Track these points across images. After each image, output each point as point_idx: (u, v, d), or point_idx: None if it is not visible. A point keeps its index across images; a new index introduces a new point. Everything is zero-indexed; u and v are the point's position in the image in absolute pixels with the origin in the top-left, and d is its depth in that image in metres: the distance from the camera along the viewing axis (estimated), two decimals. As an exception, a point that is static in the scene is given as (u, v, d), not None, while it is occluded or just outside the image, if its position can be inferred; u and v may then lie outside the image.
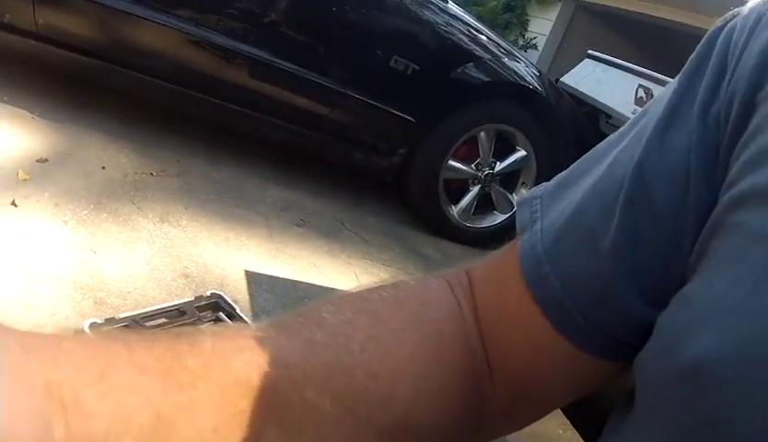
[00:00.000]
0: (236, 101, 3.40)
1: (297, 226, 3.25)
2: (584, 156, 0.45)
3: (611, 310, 0.38)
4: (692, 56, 0.41)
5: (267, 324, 0.35)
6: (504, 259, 0.44)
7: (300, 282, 2.82)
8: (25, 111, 3.66)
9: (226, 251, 2.88)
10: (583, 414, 0.63)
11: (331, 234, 3.26)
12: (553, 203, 0.43)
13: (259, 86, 3.39)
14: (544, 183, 0.46)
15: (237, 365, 0.31)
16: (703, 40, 0.41)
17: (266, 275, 2.78)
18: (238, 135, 3.63)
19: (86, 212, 2.92)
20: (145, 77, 3.39)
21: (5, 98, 3.73)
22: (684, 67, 0.41)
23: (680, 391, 0.30)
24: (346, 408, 0.33)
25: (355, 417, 0.33)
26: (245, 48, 3.29)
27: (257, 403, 0.30)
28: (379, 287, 0.42)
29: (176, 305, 2.43)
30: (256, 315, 2.54)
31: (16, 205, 2.86)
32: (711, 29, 0.41)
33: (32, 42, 3.48)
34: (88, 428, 0.25)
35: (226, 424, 0.29)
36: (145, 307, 2.41)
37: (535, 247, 0.41)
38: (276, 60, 3.32)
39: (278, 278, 2.80)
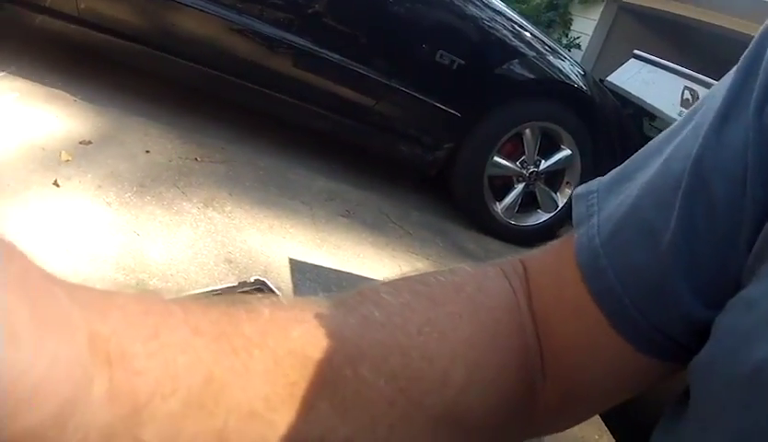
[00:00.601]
0: (280, 90, 3.42)
1: (342, 216, 3.25)
2: (638, 151, 0.45)
3: (667, 307, 0.38)
4: (745, 52, 0.40)
5: (325, 300, 0.35)
6: (560, 250, 0.44)
7: (344, 272, 2.82)
8: (66, 94, 3.70)
9: (270, 239, 2.88)
10: (620, 420, 0.62)
11: (375, 226, 3.27)
12: (609, 197, 0.43)
13: (303, 75, 3.41)
14: (599, 178, 0.46)
15: (293, 336, 0.31)
16: (756, 37, 0.40)
17: (310, 264, 2.79)
18: (283, 124, 3.65)
19: (129, 194, 2.94)
20: (188, 63, 3.43)
21: (46, 81, 3.78)
22: (738, 63, 0.40)
23: (742, 396, 0.30)
24: (400, 389, 0.33)
25: (408, 399, 0.33)
26: (288, 37, 3.31)
27: (310, 376, 0.30)
28: (437, 272, 0.42)
29: (219, 289, 2.40)
30: (299, 303, 2.55)
31: (58, 185, 2.89)
32: (764, 25, 0.40)
33: (73, 26, 3.53)
34: (133, 386, 0.24)
35: (277, 394, 0.29)
36: (187, 290, 2.43)
37: (592, 240, 0.41)
38: (321, 50, 3.34)
39: (322, 267, 2.81)
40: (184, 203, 2.96)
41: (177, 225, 2.80)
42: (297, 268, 2.76)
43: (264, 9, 3.29)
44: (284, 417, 0.29)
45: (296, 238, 2.94)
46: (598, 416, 0.55)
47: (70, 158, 3.13)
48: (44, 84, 3.76)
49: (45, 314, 0.21)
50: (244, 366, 0.28)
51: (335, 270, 2.83)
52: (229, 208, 3.00)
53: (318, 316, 0.33)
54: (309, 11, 3.33)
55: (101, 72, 3.90)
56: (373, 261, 3.02)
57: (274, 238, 2.89)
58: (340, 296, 0.36)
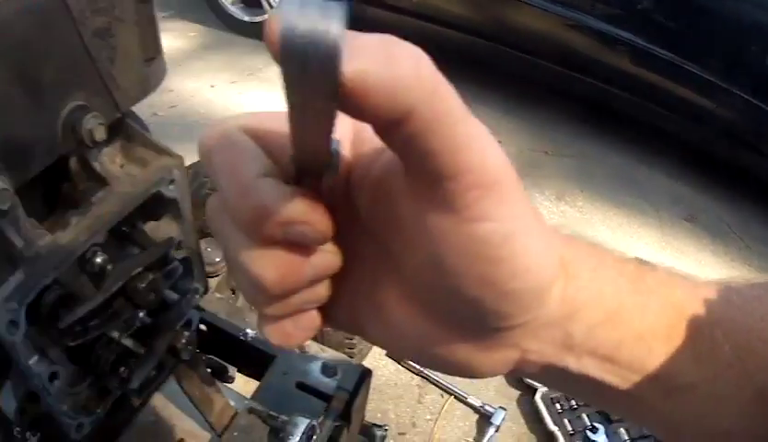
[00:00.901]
0: (619, 86, 3.56)
1: (686, 220, 3.37)
2: None
3: None
4: None
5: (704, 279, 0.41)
6: None
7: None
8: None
9: (618, 237, 3.16)
10: None
11: (716, 234, 3.32)
12: None
13: (640, 72, 3.49)
14: None
15: (677, 293, 0.38)
16: None
17: None
18: (629, 121, 3.81)
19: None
20: (527, 56, 3.70)
21: None
22: None
23: None
24: (738, 357, 0.37)
25: (743, 368, 0.38)
26: (621, 33, 3.41)
27: (682, 326, 0.37)
28: None
29: None
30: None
31: None
32: None
33: (407, 18, 3.93)
34: (576, 295, 0.35)
35: (659, 330, 0.37)
36: None
37: None
38: (655, 47, 3.39)
39: None
40: (536, 195, 3.35)
41: None
42: None
43: (595, 5, 3.43)
44: (658, 347, 0.37)
45: (643, 239, 3.18)
46: None
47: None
48: None
49: (530, 204, 0.31)
50: (643, 304, 0.37)
51: None
52: (581, 203, 3.34)
53: (696, 285, 0.39)
54: (639, 6, 3.40)
55: (446, 64, 4.29)
56: (713, 269, 3.05)
57: (623, 237, 3.16)
58: (715, 280, 0.41)
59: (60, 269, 0.71)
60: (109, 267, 0.77)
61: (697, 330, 0.37)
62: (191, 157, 0.91)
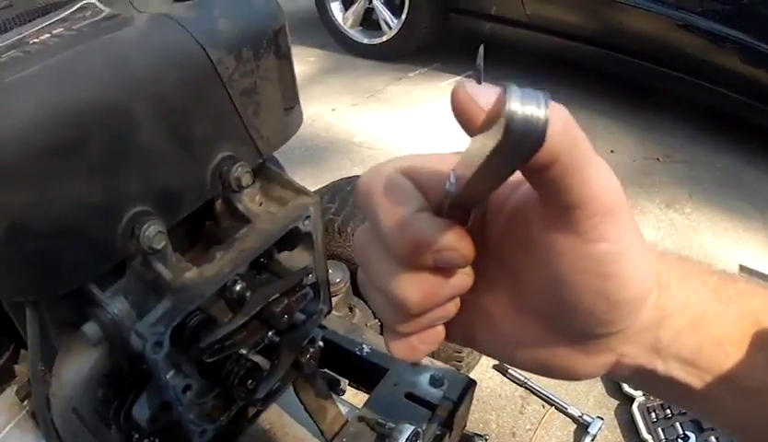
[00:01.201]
0: (729, 86, 3.48)
1: None
2: None
3: None
4: None
5: None
6: None
7: None
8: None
9: (723, 242, 3.10)
10: None
11: None
12: None
13: (751, 71, 3.40)
14: None
15: (755, 302, 0.41)
16: None
17: (759, 272, 2.91)
18: (739, 122, 3.74)
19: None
20: (637, 61, 3.68)
21: (505, 83, 4.42)
22: None
23: None
24: None
25: None
26: (729, 31, 3.34)
27: (758, 333, 0.40)
28: None
29: None
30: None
31: None
32: None
33: (528, 33, 4.02)
34: (666, 303, 0.39)
35: (736, 336, 0.40)
36: None
37: None
38: (763, 44, 3.29)
39: None
40: (647, 203, 3.32)
41: (640, 225, 3.11)
42: (746, 274, 2.90)
43: (702, 2, 3.37)
44: (734, 353, 0.40)
45: (748, 244, 3.10)
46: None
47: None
48: (502, 85, 4.38)
49: (636, 224, 0.36)
50: (723, 312, 0.40)
51: None
52: (689, 210, 3.29)
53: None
54: (744, 1, 3.32)
55: (555, 73, 4.38)
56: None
57: (728, 242, 3.10)
58: None
59: (204, 298, 0.83)
60: (247, 294, 0.89)
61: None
62: (311, 181, 1.01)
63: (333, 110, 4.08)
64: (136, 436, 1.12)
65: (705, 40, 3.43)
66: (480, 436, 1.97)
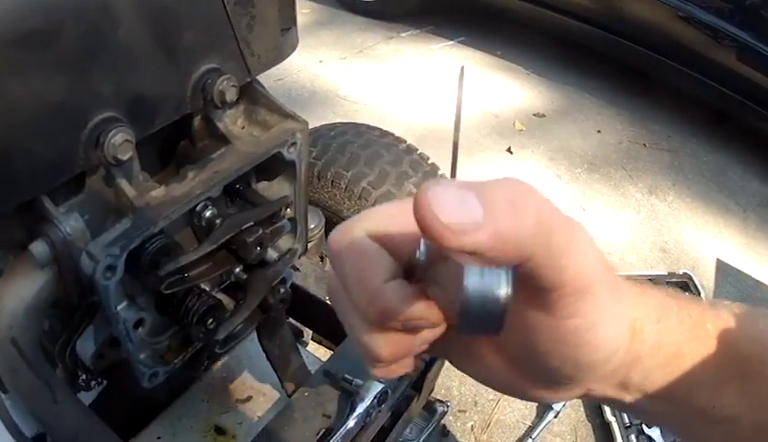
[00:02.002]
0: (723, 82, 3.49)
1: None
2: None
3: None
4: None
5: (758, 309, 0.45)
6: None
7: (763, 284, 2.91)
8: (519, 67, 4.29)
9: (703, 235, 3.10)
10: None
11: None
12: None
13: (746, 70, 3.41)
14: None
15: (736, 337, 0.42)
16: None
17: (735, 269, 2.95)
18: (728, 119, 3.75)
19: (579, 170, 3.40)
20: (636, 47, 3.66)
21: (499, 53, 4.39)
22: None
23: None
24: None
25: None
26: (730, 28, 3.34)
27: (736, 366, 0.42)
28: None
29: (649, 275, 2.72)
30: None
31: (511, 152, 3.44)
32: None
33: (523, 3, 3.98)
34: (639, 347, 0.40)
35: (710, 369, 0.42)
36: (621, 269, 2.75)
37: None
38: (761, 45, 3.30)
39: (745, 274, 2.94)
40: (630, 187, 3.31)
41: (621, 207, 3.18)
42: (723, 270, 2.94)
43: None
44: (708, 386, 0.42)
45: (727, 240, 3.12)
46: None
47: (524, 128, 3.67)
48: (495, 55, 4.37)
49: (613, 284, 0.37)
50: (698, 350, 0.42)
51: (756, 280, 2.93)
52: (671, 198, 3.28)
53: (758, 325, 0.44)
54: (747, 2, 3.33)
55: (551, 49, 4.34)
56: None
57: (707, 235, 3.11)
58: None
59: (169, 220, 0.74)
60: (217, 222, 0.81)
61: (748, 369, 0.42)
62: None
63: (321, 61, 4.00)
64: (83, 377, 1.05)
65: (704, 35, 3.42)
66: (442, 402, 1.92)
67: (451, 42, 4.45)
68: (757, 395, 0.42)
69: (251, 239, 0.82)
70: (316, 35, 4.32)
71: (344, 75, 3.89)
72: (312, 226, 1.46)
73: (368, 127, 1.82)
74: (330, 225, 1.58)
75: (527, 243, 0.30)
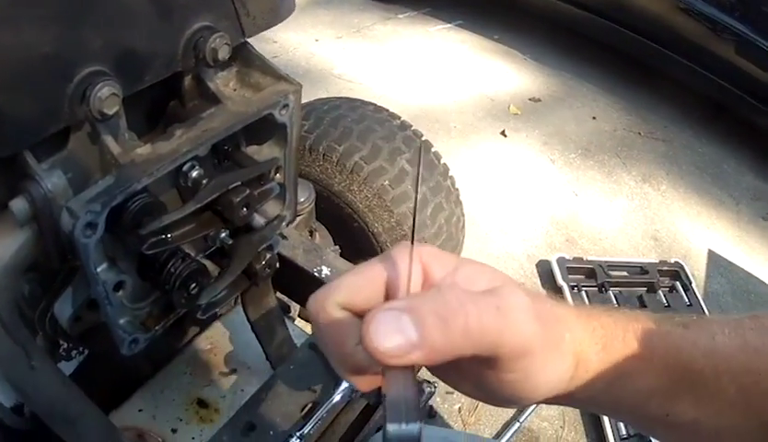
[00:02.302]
0: (722, 75, 3.50)
1: (763, 218, 3.33)
2: None
3: None
4: None
5: (722, 317, 0.48)
6: None
7: (754, 276, 2.94)
8: (515, 51, 4.27)
9: (695, 226, 3.11)
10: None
11: None
12: None
13: (745, 64, 3.43)
14: None
15: (685, 351, 0.45)
16: None
17: (726, 260, 2.96)
18: (724, 112, 3.76)
19: (573, 156, 3.38)
20: (636, 36, 3.66)
21: (496, 37, 4.37)
22: None
23: None
24: (744, 398, 0.44)
25: (747, 404, 0.44)
26: (730, 21, 3.35)
27: (687, 378, 0.44)
28: None
29: (640, 263, 2.71)
30: (707, 296, 2.70)
31: (505, 135, 3.43)
32: None
33: None
34: (583, 375, 0.44)
35: (659, 387, 0.45)
36: (611, 256, 2.75)
37: None
38: (761, 40, 3.31)
39: (736, 266, 2.95)
40: (623, 174, 3.31)
41: (614, 193, 3.17)
42: (714, 260, 2.95)
43: None
44: (658, 400, 0.45)
45: (719, 231, 3.13)
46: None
47: (519, 112, 3.66)
48: (492, 39, 4.35)
49: (552, 337, 0.41)
50: (645, 368, 0.44)
51: (746, 272, 2.95)
52: (664, 187, 3.28)
53: (711, 336, 0.46)
54: None
55: (549, 34, 4.33)
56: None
57: (699, 226, 3.11)
58: (741, 317, 0.48)
59: (154, 177, 0.71)
60: (204, 182, 0.78)
61: (701, 381, 0.45)
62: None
63: (317, 40, 3.97)
64: (63, 346, 1.02)
65: (705, 27, 3.42)
66: (429, 383, 1.91)
67: (449, 25, 4.42)
68: (712, 405, 0.45)
69: (238, 199, 0.80)
70: (312, 14, 4.28)
71: (340, 55, 3.86)
72: (302, 200, 1.44)
73: (362, 102, 1.79)
74: (320, 198, 1.55)
75: (457, 351, 0.36)
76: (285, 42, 3.74)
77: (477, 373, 0.42)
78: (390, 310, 0.36)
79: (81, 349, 1.09)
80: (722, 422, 0.45)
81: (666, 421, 0.47)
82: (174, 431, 1.19)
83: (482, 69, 3.93)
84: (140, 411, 1.21)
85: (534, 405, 2.03)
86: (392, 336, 0.35)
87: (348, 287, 0.42)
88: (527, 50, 4.20)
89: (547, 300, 0.44)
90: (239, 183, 0.81)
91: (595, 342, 0.45)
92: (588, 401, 0.47)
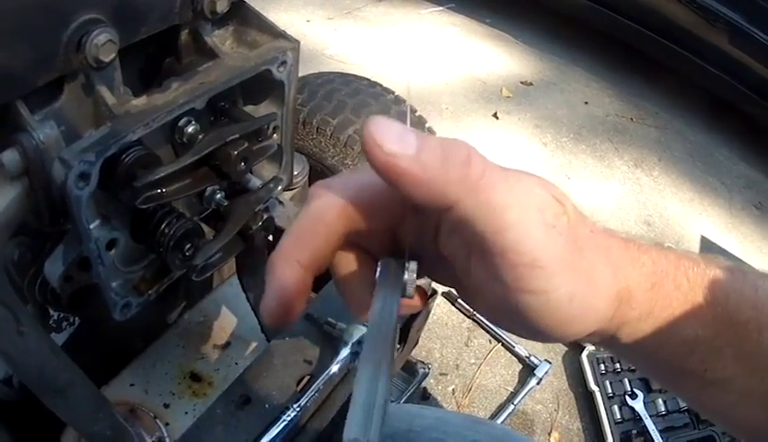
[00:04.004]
0: (715, 64, 3.48)
1: (755, 207, 3.33)
2: None
3: None
4: None
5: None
6: None
7: (746, 264, 2.83)
8: (507, 35, 4.25)
9: (687, 211, 3.12)
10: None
11: None
12: None
13: (738, 53, 3.41)
14: None
15: (731, 302, 0.42)
16: None
17: (718, 246, 2.96)
18: (716, 101, 3.76)
19: (565, 139, 3.38)
20: (628, 22, 3.64)
21: (488, 21, 4.35)
22: None
23: None
24: None
25: None
26: (723, 10, 3.33)
27: (731, 331, 0.42)
28: None
29: None
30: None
31: (497, 118, 3.42)
32: None
33: None
34: (627, 313, 0.41)
35: (703, 338, 0.42)
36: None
37: None
38: (755, 30, 3.29)
39: (728, 253, 2.94)
40: (615, 159, 3.31)
41: (606, 178, 3.17)
42: (706, 247, 2.95)
43: None
44: (701, 351, 0.42)
45: (710, 218, 3.13)
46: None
47: (510, 95, 3.65)
48: (484, 23, 4.34)
49: (580, 264, 0.37)
50: (693, 314, 0.42)
51: (739, 259, 2.92)
52: (657, 173, 3.29)
53: (757, 291, 0.43)
54: None
55: (542, 19, 4.31)
56: (769, 261, 3.06)
57: (691, 212, 3.12)
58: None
59: (150, 127, 0.69)
60: (199, 137, 0.76)
61: (744, 335, 0.42)
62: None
63: (308, 21, 3.94)
64: (54, 316, 1.00)
65: (698, 15, 3.40)
66: (423, 364, 1.90)
67: (440, 8, 4.40)
68: (751, 361, 0.43)
69: (236, 153, 0.77)
70: (305, -6, 4.25)
71: (332, 36, 3.83)
72: (296, 173, 1.42)
73: (356, 77, 1.77)
74: (314, 172, 1.54)
75: (450, 188, 0.33)
76: (277, 23, 3.65)
77: (492, 296, 0.39)
78: (397, 123, 0.34)
79: (71, 320, 1.07)
80: (754, 382, 0.43)
81: (702, 377, 0.44)
82: (167, 406, 1.17)
83: (473, 52, 3.91)
84: (131, 385, 1.19)
85: (528, 387, 2.03)
86: (392, 135, 0.33)
87: (359, 193, 0.41)
88: (519, 34, 4.18)
89: (589, 223, 0.41)
90: (237, 136, 0.79)
91: (644, 279, 0.42)
92: (630, 348, 0.44)
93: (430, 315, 2.18)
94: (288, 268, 0.39)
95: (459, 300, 2.23)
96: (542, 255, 0.35)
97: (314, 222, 0.39)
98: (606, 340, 0.43)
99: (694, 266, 0.43)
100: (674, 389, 0.49)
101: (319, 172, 1.59)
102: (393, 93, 1.73)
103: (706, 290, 0.42)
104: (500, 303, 0.38)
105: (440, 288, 2.29)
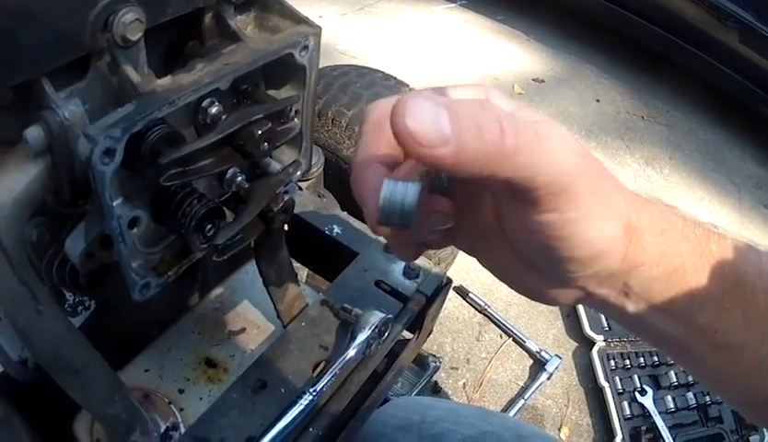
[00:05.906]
0: (725, 63, 3.51)
1: (765, 206, 3.35)
2: None
3: None
4: None
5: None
6: None
7: None
8: (519, 32, 4.25)
9: (697, 210, 3.13)
10: None
11: None
12: None
13: (748, 52, 3.41)
14: None
15: (739, 262, 0.43)
16: None
17: None
18: (728, 101, 3.76)
19: (577, 136, 3.36)
20: (640, 20, 3.67)
21: (500, 18, 4.35)
22: None
23: None
24: None
25: None
26: (734, 8, 3.34)
27: (740, 291, 0.43)
28: None
29: None
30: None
31: None
32: None
33: None
34: (637, 255, 0.42)
35: (713, 294, 0.43)
36: None
37: None
38: (765, 28, 3.29)
39: None
40: (626, 157, 3.31)
41: (617, 175, 3.11)
42: None
43: None
44: (711, 307, 0.43)
45: (721, 217, 3.15)
46: None
47: (522, 92, 3.65)
48: (496, 20, 4.33)
49: (600, 187, 0.39)
50: (702, 267, 0.43)
51: None
52: (667, 171, 3.29)
53: (761, 257, 0.45)
54: None
55: (554, 16, 4.34)
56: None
57: (701, 211, 3.14)
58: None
59: (175, 105, 0.69)
60: (223, 118, 0.76)
61: (752, 298, 0.43)
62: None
63: (321, 16, 3.95)
64: (69, 300, 1.00)
65: (708, 13, 3.40)
66: (435, 357, 1.90)
67: (453, 5, 4.41)
68: (760, 326, 0.43)
69: (260, 132, 0.77)
70: (318, -11, 4.27)
71: (344, 31, 3.84)
72: (312, 162, 1.42)
73: (371, 69, 1.78)
74: (329, 164, 1.54)
75: (487, 164, 0.35)
76: (289, 21, 3.72)
77: (519, 219, 0.41)
78: (429, 101, 0.33)
79: (87, 304, 1.07)
80: (766, 350, 0.44)
81: (713, 341, 0.44)
82: (181, 391, 1.17)
83: (485, 49, 3.91)
84: (146, 371, 1.19)
85: (538, 382, 2.02)
86: (426, 123, 0.33)
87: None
88: (531, 31, 4.19)
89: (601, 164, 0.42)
90: (261, 116, 0.79)
91: (653, 223, 0.43)
92: (642, 302, 0.44)
93: (442, 309, 2.19)
94: (371, 172, 0.42)
95: (471, 294, 2.23)
96: (573, 184, 0.38)
97: (376, 127, 0.43)
98: (620, 291, 0.44)
99: (700, 226, 0.45)
100: (685, 360, 0.49)
101: (333, 164, 1.59)
102: (408, 86, 1.74)
103: (714, 245, 0.44)
104: (518, 231, 0.43)
105: (452, 282, 2.30)
